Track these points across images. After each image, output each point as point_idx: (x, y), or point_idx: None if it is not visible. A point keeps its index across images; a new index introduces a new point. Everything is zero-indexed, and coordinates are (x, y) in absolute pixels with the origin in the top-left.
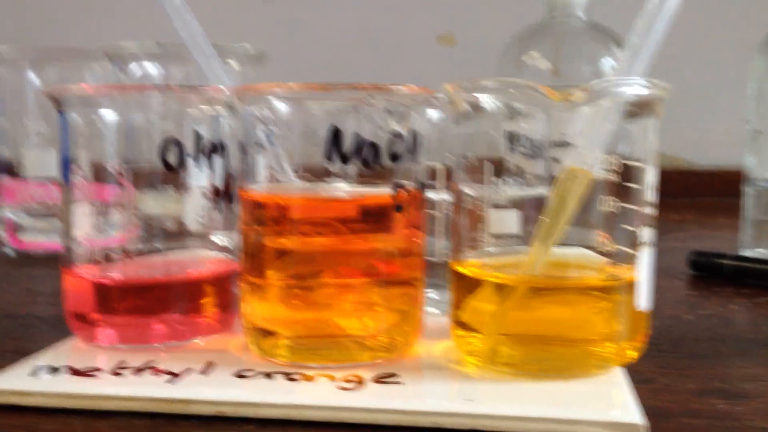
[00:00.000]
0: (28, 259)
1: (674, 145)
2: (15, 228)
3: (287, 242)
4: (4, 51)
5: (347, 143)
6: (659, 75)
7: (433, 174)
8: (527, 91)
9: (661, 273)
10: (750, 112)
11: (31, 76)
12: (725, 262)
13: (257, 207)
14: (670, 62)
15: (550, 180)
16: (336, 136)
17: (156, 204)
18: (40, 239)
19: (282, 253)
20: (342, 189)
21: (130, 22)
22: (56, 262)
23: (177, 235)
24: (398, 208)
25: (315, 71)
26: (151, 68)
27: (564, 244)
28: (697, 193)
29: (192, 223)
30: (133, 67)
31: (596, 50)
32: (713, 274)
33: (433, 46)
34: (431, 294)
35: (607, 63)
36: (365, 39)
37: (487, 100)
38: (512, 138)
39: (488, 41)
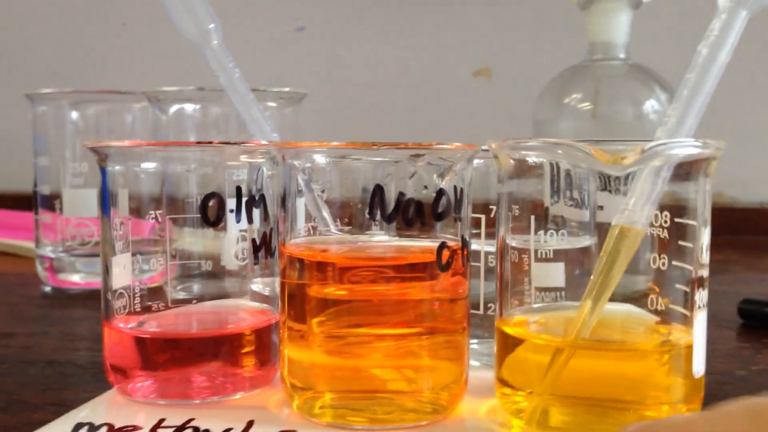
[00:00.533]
0: (67, 298)
1: (718, 181)
2: (54, 266)
3: (326, 296)
4: (48, 92)
5: (390, 201)
6: (705, 112)
7: (477, 223)
8: (575, 152)
9: (710, 321)
10: None
11: (73, 115)
12: None
13: (296, 262)
14: (715, 99)
15: (596, 229)
16: (379, 194)
17: (194, 240)
18: (79, 278)
19: (321, 308)
20: (383, 243)
21: (172, 67)
22: (94, 301)
23: (217, 277)
24: (442, 267)
25: (352, 108)
26: (191, 109)
27: (612, 299)
28: (742, 231)
29: (230, 263)
30: (173, 108)
31: (638, 91)
32: (764, 322)
33: (471, 81)
34: (474, 345)
35: (650, 104)
36: (402, 74)
37: (533, 159)
38: (557, 188)
39: (524, 78)
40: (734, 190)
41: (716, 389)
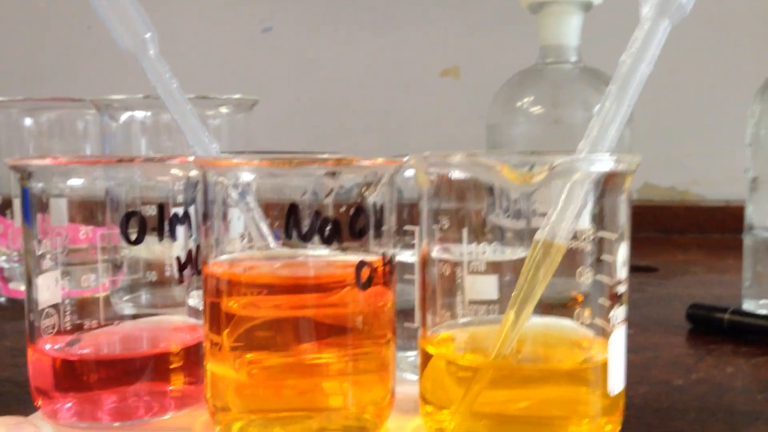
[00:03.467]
0: (20, 309)
1: (683, 179)
2: (6, 276)
3: (243, 315)
4: (0, 100)
5: (306, 220)
6: (670, 107)
7: (412, 234)
8: (487, 169)
9: (659, 326)
10: (747, 159)
11: (26, 122)
12: (725, 316)
13: (216, 281)
14: (681, 93)
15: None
16: (294, 213)
17: (139, 249)
18: None
19: (238, 327)
20: (313, 259)
21: (127, 70)
22: None
23: (160, 285)
24: (362, 285)
25: (320, 109)
26: (141, 116)
27: (542, 311)
28: (707, 230)
29: (175, 273)
30: (124, 116)
31: (589, 94)
32: (713, 328)
33: (439, 81)
34: (411, 358)
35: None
36: (369, 75)
37: (455, 174)
38: (490, 199)
39: (492, 77)
40: (700, 188)
41: (653, 399)
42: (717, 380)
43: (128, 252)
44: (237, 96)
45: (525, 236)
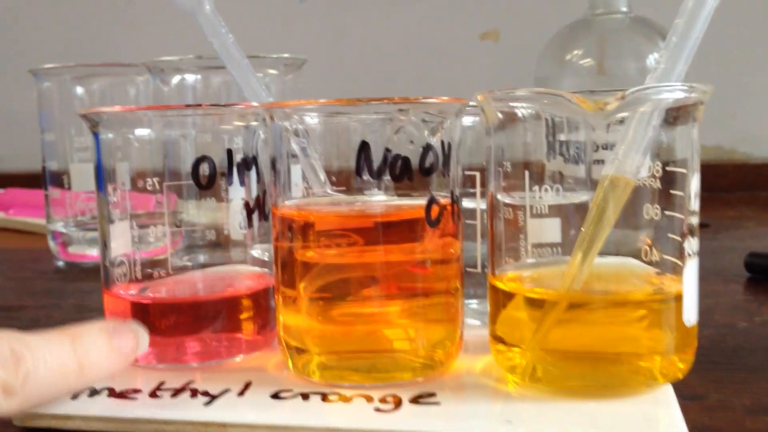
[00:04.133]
0: (79, 272)
1: (731, 138)
2: (65, 240)
3: (316, 257)
4: (51, 68)
5: (377, 157)
6: (714, 65)
7: (473, 182)
8: (560, 100)
9: (716, 276)
10: None
11: (78, 90)
12: None
13: (287, 222)
14: (725, 51)
15: (592, 185)
16: (365, 150)
17: (198, 213)
18: (89, 251)
19: (311, 268)
20: (377, 202)
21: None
22: None
23: (219, 246)
24: (431, 223)
25: (358, 77)
26: (192, 80)
27: (608, 253)
28: (756, 187)
29: (235, 233)
30: (175, 79)
31: (642, 45)
32: None
33: (477, 45)
34: (473, 305)
35: (653, 58)
36: (407, 42)
37: (520, 110)
38: (552, 143)
39: (532, 39)
40: (747, 146)
41: (719, 340)
42: None
43: (186, 215)
44: (286, 55)
45: (587, 183)
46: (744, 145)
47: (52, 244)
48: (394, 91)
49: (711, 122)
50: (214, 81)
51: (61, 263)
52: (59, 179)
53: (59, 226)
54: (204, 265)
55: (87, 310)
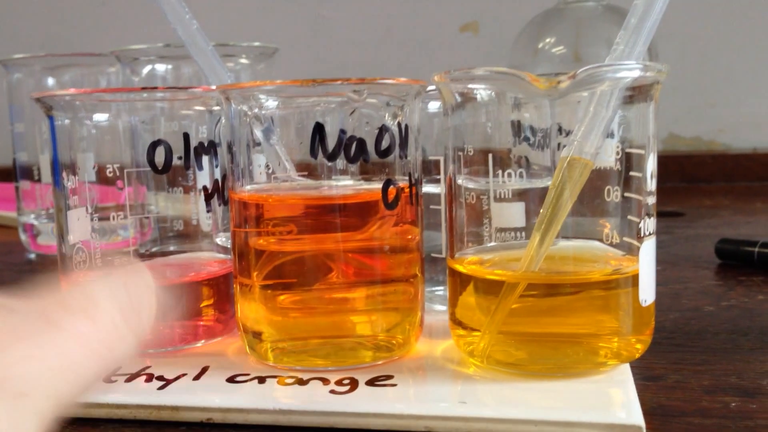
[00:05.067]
0: (49, 263)
1: (710, 128)
2: (35, 232)
3: (271, 242)
4: (21, 58)
5: (332, 139)
6: (693, 57)
7: (437, 167)
8: (514, 79)
9: (687, 262)
10: None
11: (48, 81)
12: (755, 249)
13: (242, 207)
14: (705, 42)
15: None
16: (320, 132)
17: (166, 204)
18: None
19: (266, 254)
20: (335, 185)
21: (142, 26)
22: None
23: (187, 237)
24: (388, 205)
25: (337, 68)
26: (162, 69)
27: (568, 236)
28: (734, 178)
29: (203, 223)
30: (145, 69)
31: (614, 34)
32: (742, 262)
33: (457, 36)
34: (439, 291)
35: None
36: (387, 32)
37: (479, 91)
38: (516, 128)
39: (512, 31)
40: (726, 136)
41: (683, 323)
42: (748, 306)
43: (154, 207)
44: (257, 44)
45: (551, 169)
46: (723, 135)
47: (23, 236)
48: None
49: (690, 112)
50: (185, 71)
51: (32, 255)
52: (29, 171)
53: (30, 218)
54: (167, 254)
55: None
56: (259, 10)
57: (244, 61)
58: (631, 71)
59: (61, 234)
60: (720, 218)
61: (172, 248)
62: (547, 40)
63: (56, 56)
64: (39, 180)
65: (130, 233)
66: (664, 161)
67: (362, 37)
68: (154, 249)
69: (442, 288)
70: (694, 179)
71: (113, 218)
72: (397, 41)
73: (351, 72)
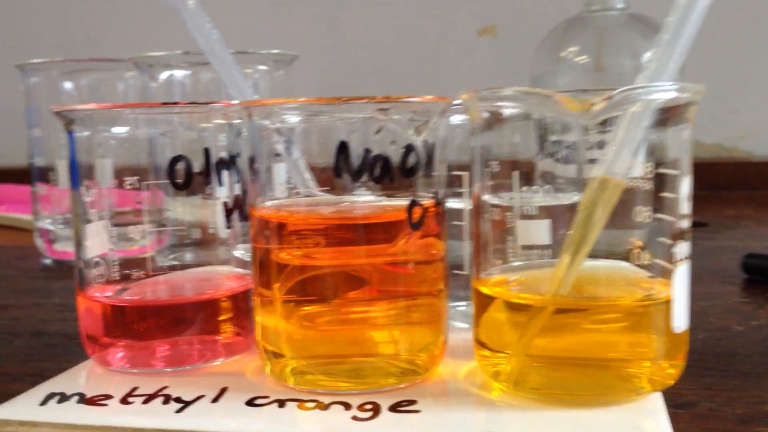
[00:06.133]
0: (65, 270)
1: (732, 135)
2: (51, 238)
3: (292, 259)
4: (39, 63)
5: (358, 157)
6: (716, 63)
7: (460, 182)
8: (545, 100)
9: (713, 276)
10: None
11: (66, 86)
12: None
13: (263, 223)
14: (727, 49)
15: (584, 185)
16: (344, 151)
17: (183, 210)
18: None
19: (287, 270)
20: (359, 203)
21: (162, 32)
22: None
23: (204, 244)
24: (414, 225)
25: (353, 72)
26: (180, 75)
27: (598, 255)
28: (756, 186)
29: (221, 231)
30: (163, 75)
31: (638, 42)
32: None
33: (474, 40)
34: (461, 307)
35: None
36: (404, 37)
37: (507, 109)
38: (542, 142)
39: (530, 34)
40: (748, 143)
41: (713, 344)
42: None
43: (172, 213)
44: (276, 51)
45: (578, 183)
46: (745, 143)
47: (39, 241)
48: (389, 86)
49: (712, 119)
50: (203, 77)
51: (48, 261)
52: (46, 175)
53: (46, 223)
54: (187, 266)
55: (69, 310)
56: (276, 13)
57: (262, 68)
58: (666, 92)
59: (78, 245)
60: (744, 229)
61: (188, 257)
62: (570, 49)
63: (74, 61)
64: (56, 184)
65: (147, 240)
66: None
67: (379, 39)
68: (171, 256)
69: (464, 304)
70: (715, 187)
71: (131, 225)
72: (415, 44)
73: (368, 76)
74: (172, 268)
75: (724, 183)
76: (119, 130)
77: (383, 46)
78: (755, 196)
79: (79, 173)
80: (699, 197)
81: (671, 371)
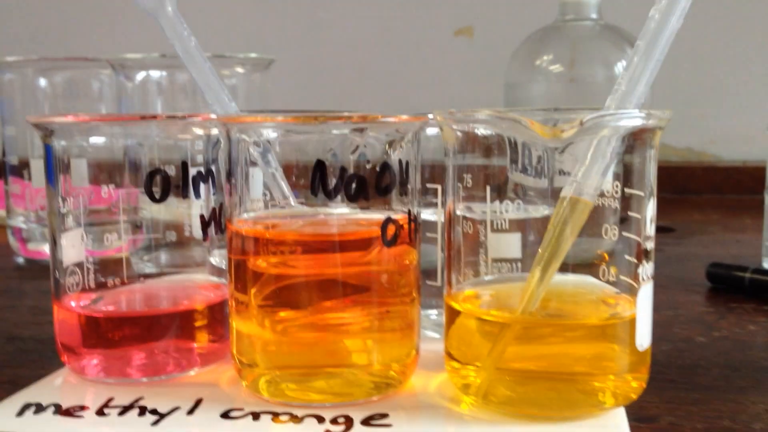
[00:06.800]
0: (39, 270)
1: (701, 139)
2: (24, 237)
3: (266, 269)
4: (14, 60)
5: (334, 175)
6: (686, 67)
7: (435, 193)
8: (516, 126)
9: (678, 284)
10: None
11: (41, 83)
12: (745, 275)
13: (239, 239)
14: (697, 53)
15: (554, 197)
16: (320, 169)
17: (159, 210)
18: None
19: (262, 284)
20: (335, 216)
21: (140, 31)
22: None
23: (180, 246)
24: (387, 242)
25: (330, 70)
26: (157, 76)
27: (567, 264)
28: (723, 190)
29: (196, 233)
30: (139, 75)
31: (611, 53)
32: (733, 287)
33: (451, 40)
34: (433, 316)
35: (622, 66)
36: (382, 37)
37: (480, 130)
38: (514, 156)
39: (506, 36)
40: (717, 148)
41: (676, 356)
42: (740, 337)
43: (148, 213)
44: (253, 55)
45: (548, 195)
46: (714, 147)
47: (11, 240)
48: (367, 86)
49: (681, 123)
50: (179, 78)
51: (21, 260)
52: (20, 173)
53: (19, 221)
54: (162, 272)
55: (43, 313)
56: (254, 12)
57: (240, 70)
58: (633, 119)
59: (54, 253)
60: (710, 235)
61: (164, 258)
62: (545, 57)
63: (49, 60)
64: (30, 181)
65: (122, 241)
66: None
67: (357, 39)
68: (146, 258)
69: (435, 312)
70: (684, 191)
71: (107, 224)
72: (392, 44)
73: (347, 75)
74: (148, 276)
75: (692, 187)
76: (97, 140)
77: (362, 46)
78: (723, 201)
79: (56, 182)
80: (667, 200)
81: (635, 385)
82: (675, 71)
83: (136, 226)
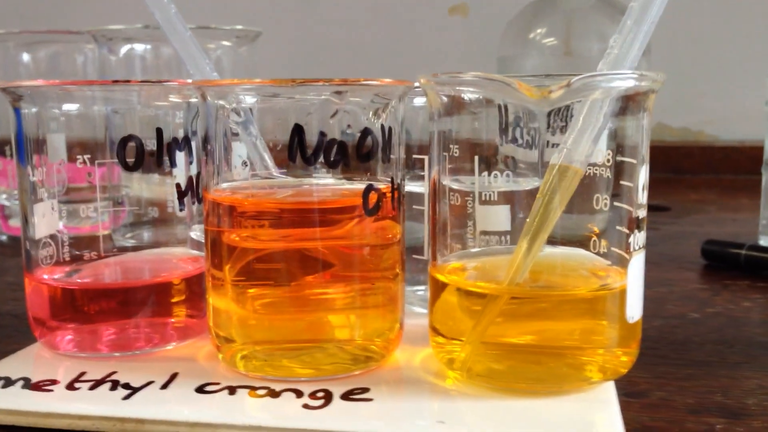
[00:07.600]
0: (20, 246)
1: (697, 119)
2: (7, 213)
3: (243, 241)
4: None
5: (313, 141)
6: (683, 47)
7: (422, 164)
8: (504, 87)
9: (672, 262)
10: None
11: (24, 58)
12: (741, 252)
13: (216, 208)
14: (694, 33)
15: (545, 169)
16: (299, 134)
17: (141, 187)
18: None
19: (239, 255)
20: (316, 186)
21: (122, 4)
22: None
23: (161, 222)
24: (369, 211)
25: (322, 47)
26: (141, 49)
27: (556, 241)
28: (720, 170)
29: (176, 209)
30: (123, 48)
31: (606, 26)
32: (728, 264)
33: (446, 19)
34: (420, 291)
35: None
36: (374, 13)
37: (467, 94)
38: (504, 127)
39: (501, 14)
40: (714, 128)
41: (668, 332)
42: (734, 314)
43: (129, 189)
44: (239, 27)
45: (538, 167)
46: (711, 127)
47: None
48: (357, 64)
49: (678, 103)
50: (164, 51)
51: (3, 237)
52: (1, 151)
53: (2, 198)
54: (141, 246)
55: (22, 289)
56: None
57: (226, 43)
58: (624, 81)
59: (25, 224)
60: (706, 214)
61: (146, 236)
62: (538, 30)
63: (31, 33)
64: (11, 157)
65: (102, 218)
66: (651, 151)
67: (349, 15)
68: (129, 235)
69: (422, 288)
70: (680, 170)
71: (85, 202)
72: (385, 21)
73: (337, 52)
74: (125, 249)
75: (689, 167)
76: (70, 107)
77: (353, 23)
78: (720, 181)
79: (26, 150)
80: (664, 180)
81: (624, 359)
82: (672, 51)
83: (117, 203)
